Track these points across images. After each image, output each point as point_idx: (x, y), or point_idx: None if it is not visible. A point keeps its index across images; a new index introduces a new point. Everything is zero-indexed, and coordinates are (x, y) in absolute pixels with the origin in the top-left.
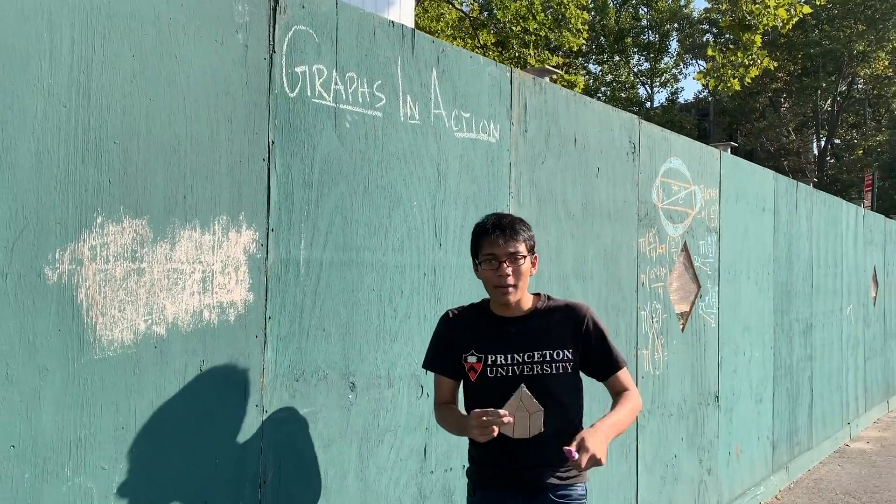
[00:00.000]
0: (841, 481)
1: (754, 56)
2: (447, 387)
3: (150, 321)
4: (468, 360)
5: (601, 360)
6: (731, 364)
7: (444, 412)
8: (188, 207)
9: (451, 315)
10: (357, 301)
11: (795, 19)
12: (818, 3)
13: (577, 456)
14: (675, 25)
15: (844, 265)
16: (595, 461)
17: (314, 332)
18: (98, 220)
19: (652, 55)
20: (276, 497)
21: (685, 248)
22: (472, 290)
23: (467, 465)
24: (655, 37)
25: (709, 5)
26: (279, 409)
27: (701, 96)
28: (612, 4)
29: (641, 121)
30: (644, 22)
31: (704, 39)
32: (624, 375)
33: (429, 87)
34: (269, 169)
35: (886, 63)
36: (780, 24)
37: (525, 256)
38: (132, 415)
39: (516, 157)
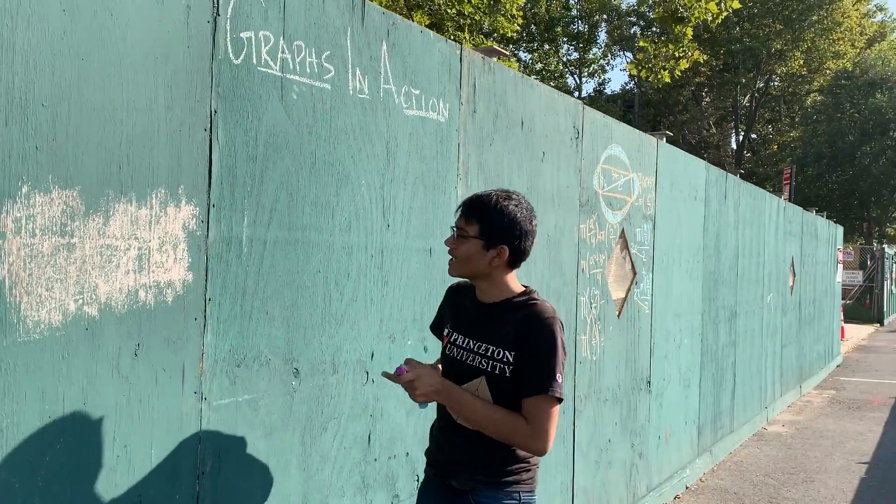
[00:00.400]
0: (760, 463)
1: (685, 48)
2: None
3: (80, 301)
4: (445, 332)
5: (521, 373)
6: (662, 350)
7: None
8: (123, 178)
9: (452, 286)
10: (302, 283)
11: (724, 14)
12: (735, 5)
13: (404, 371)
14: (605, 16)
15: (766, 255)
16: (411, 386)
17: (257, 315)
18: (24, 190)
19: (581, 45)
20: (215, 489)
21: (623, 235)
22: (419, 274)
23: (409, 452)
24: (585, 27)
25: None
26: (219, 395)
27: (627, 88)
28: None
29: (585, 106)
30: (574, 12)
31: (632, 31)
32: (534, 406)
33: (379, 61)
34: (210, 140)
35: (801, 62)
36: (711, 18)
37: (468, 236)
38: (60, 402)
39: (465, 138)
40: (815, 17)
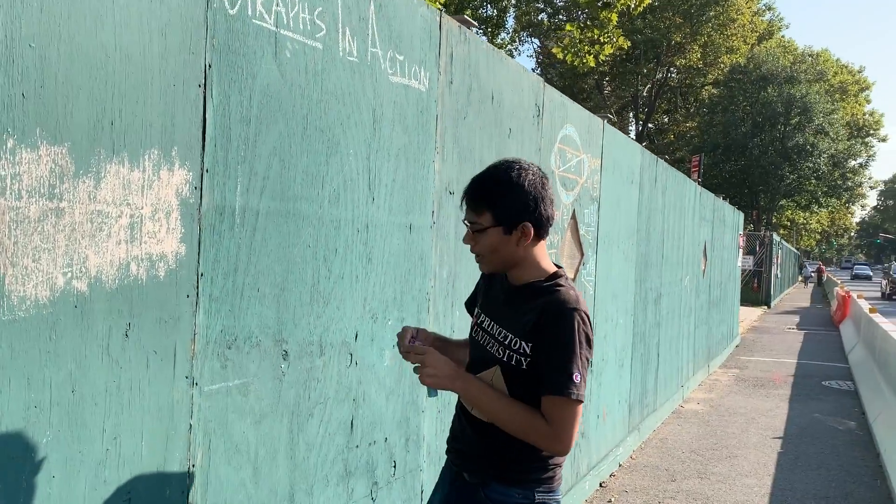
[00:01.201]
0: (684, 440)
1: (610, 34)
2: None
3: (69, 274)
4: (476, 312)
5: (538, 371)
6: (602, 330)
7: None
8: (115, 136)
9: None
10: (293, 258)
11: (647, 1)
12: None
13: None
14: (513, 2)
15: (685, 239)
16: (421, 364)
17: (248, 293)
18: (8, 144)
19: (490, 30)
20: (206, 481)
21: (574, 216)
22: (401, 251)
23: (388, 437)
24: (493, 11)
25: None
26: (210, 380)
27: (534, 73)
28: None
29: (545, 84)
30: None
31: (539, 18)
32: (551, 406)
33: (367, 22)
34: (205, 97)
35: (699, 55)
36: (634, 5)
37: (485, 228)
38: (47, 390)
39: (442, 110)
40: (712, 13)
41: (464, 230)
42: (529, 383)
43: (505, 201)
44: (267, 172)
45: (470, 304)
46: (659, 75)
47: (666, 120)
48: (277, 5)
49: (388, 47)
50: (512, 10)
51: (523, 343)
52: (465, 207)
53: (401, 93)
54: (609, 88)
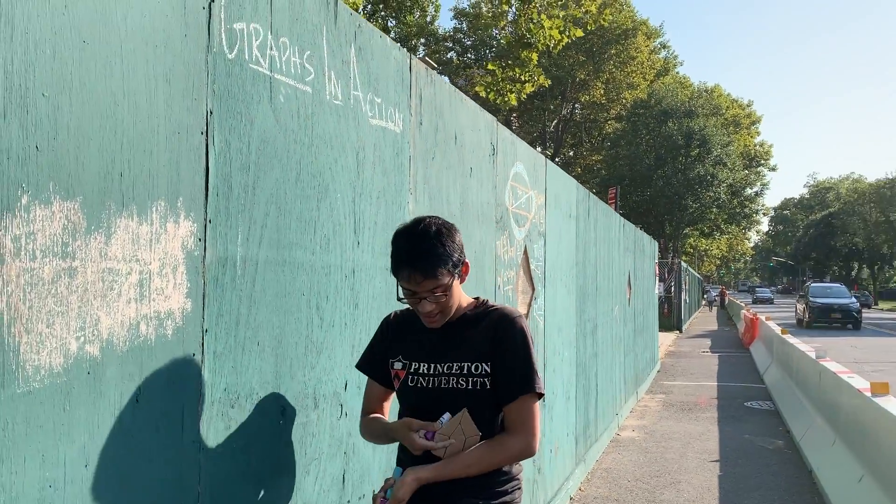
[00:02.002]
0: (626, 468)
1: (531, 73)
2: (376, 394)
3: (82, 338)
4: (394, 367)
5: (503, 379)
6: (552, 364)
7: (369, 423)
8: (125, 189)
9: (391, 317)
10: (289, 308)
11: (565, 40)
12: (578, 33)
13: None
14: (422, 40)
15: (614, 269)
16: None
17: (249, 347)
18: (23, 201)
19: None
20: None
21: (525, 252)
22: (382, 295)
23: (375, 489)
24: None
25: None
26: (215, 443)
27: None
28: (361, 13)
29: (498, 123)
30: (393, 34)
31: (448, 56)
32: (520, 406)
33: (349, 65)
34: (207, 145)
35: (601, 91)
36: (553, 44)
37: (448, 288)
38: (61, 466)
39: (414, 151)
40: (613, 51)
41: None
42: (492, 399)
43: (453, 253)
44: (265, 220)
45: (369, 364)
46: (564, 111)
47: (572, 154)
48: (271, 49)
49: (367, 90)
50: (421, 49)
51: (483, 365)
52: (419, 279)
53: (380, 135)
54: (517, 124)
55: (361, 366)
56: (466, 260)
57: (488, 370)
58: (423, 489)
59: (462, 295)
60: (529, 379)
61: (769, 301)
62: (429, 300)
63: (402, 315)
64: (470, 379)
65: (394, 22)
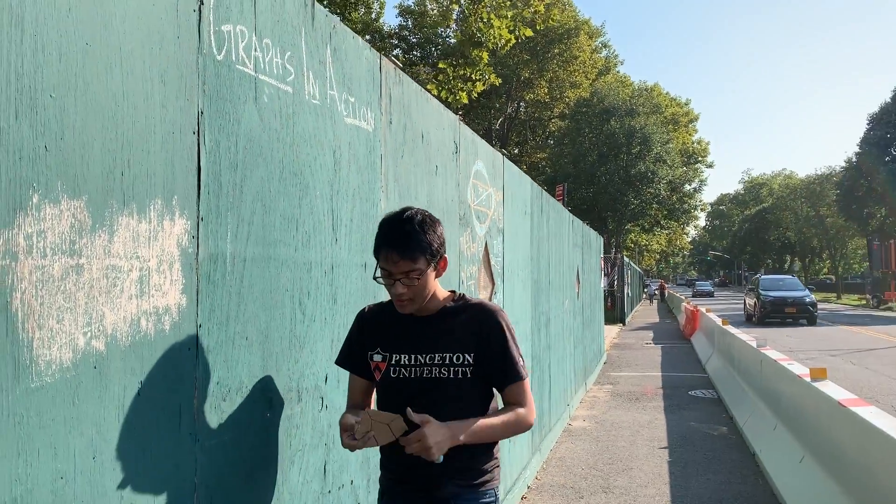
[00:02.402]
0: (580, 457)
1: (482, 72)
2: (359, 388)
3: (89, 334)
4: (374, 359)
5: (497, 367)
6: None
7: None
8: (126, 187)
9: (366, 310)
10: (274, 303)
11: (513, 41)
12: (527, 33)
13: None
14: (367, 37)
15: (565, 264)
16: (422, 448)
17: (238, 342)
18: (34, 200)
19: None
20: None
21: (486, 248)
22: (358, 290)
23: (353, 480)
24: None
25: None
26: (209, 436)
27: None
28: None
29: (460, 122)
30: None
31: (394, 54)
32: (519, 388)
33: (325, 65)
34: (199, 145)
35: (546, 90)
36: (502, 44)
37: (422, 273)
38: (71, 459)
39: (385, 149)
40: (556, 50)
41: None
42: (474, 388)
43: (433, 242)
44: (252, 218)
45: (348, 358)
46: (510, 109)
47: (517, 152)
48: (256, 50)
49: (342, 89)
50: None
51: (466, 355)
52: (396, 259)
53: (354, 134)
54: (464, 122)
55: (341, 362)
56: (446, 255)
57: (471, 360)
58: (410, 474)
59: (438, 288)
60: (519, 368)
61: (710, 294)
62: (402, 282)
63: (377, 308)
64: (452, 368)
65: (339, 19)
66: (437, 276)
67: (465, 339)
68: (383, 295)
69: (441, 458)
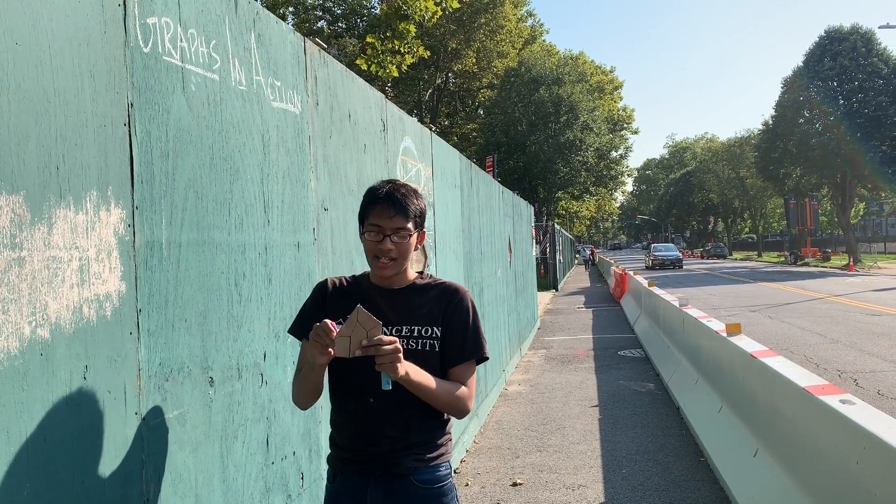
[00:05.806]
0: (516, 419)
1: (410, 45)
2: None
3: (34, 323)
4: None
5: (458, 342)
6: None
7: (294, 379)
8: (62, 181)
9: (328, 282)
10: (210, 286)
11: (439, 13)
12: (454, 4)
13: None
14: (291, 9)
15: (496, 234)
16: (394, 350)
17: (178, 324)
18: None
19: None
20: None
21: None
22: (293, 270)
23: (296, 451)
24: None
25: None
26: (154, 414)
27: None
28: None
29: (387, 100)
30: (261, 2)
31: (319, 25)
32: (469, 368)
33: (250, 52)
34: (130, 136)
35: (473, 60)
36: (429, 17)
37: (411, 234)
38: (23, 441)
39: (313, 131)
40: (482, 20)
41: (340, 245)
42: (439, 361)
43: (421, 210)
44: (185, 204)
45: (303, 330)
46: (438, 81)
47: (448, 123)
48: (182, 41)
49: (268, 74)
50: (290, 17)
51: (434, 328)
52: (391, 214)
53: (281, 117)
54: (392, 94)
55: (294, 330)
56: (424, 231)
57: (439, 334)
58: (368, 451)
59: (408, 265)
60: (479, 345)
61: (620, 248)
62: (392, 238)
63: (342, 282)
64: (420, 340)
65: (260, 4)
66: (414, 248)
67: (434, 313)
68: (317, 275)
69: (390, 385)
